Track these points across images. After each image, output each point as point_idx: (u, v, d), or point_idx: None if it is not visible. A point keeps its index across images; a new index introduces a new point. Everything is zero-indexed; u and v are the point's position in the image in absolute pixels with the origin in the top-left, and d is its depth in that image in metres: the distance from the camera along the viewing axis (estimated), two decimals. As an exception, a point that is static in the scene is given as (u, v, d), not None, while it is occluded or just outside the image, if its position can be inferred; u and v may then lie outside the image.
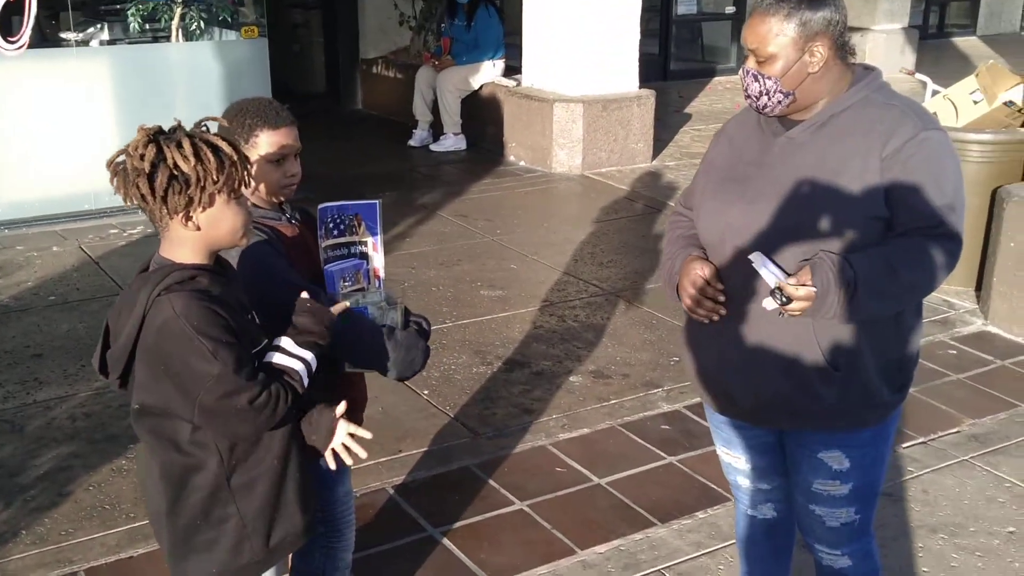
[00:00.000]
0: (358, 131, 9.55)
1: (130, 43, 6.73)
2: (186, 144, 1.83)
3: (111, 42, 6.73)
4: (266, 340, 2.01)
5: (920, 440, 3.89)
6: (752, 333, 2.21)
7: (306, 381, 2.00)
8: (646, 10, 8.53)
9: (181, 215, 1.87)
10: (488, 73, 8.53)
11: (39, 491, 3.50)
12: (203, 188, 1.84)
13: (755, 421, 2.34)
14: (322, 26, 10.61)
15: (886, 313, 2.17)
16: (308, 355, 2.01)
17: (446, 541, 3.26)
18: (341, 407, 2.12)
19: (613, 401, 4.19)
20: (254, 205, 2.33)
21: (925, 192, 2.09)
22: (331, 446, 2.11)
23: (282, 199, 2.41)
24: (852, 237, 2.10)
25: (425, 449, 3.79)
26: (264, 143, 2.31)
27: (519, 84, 8.29)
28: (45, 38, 6.51)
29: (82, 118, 6.42)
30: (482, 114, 8.51)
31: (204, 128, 1.92)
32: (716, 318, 2.23)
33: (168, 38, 6.79)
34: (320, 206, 2.35)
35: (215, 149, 1.86)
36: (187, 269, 1.90)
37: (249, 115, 2.33)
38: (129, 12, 6.61)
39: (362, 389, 2.57)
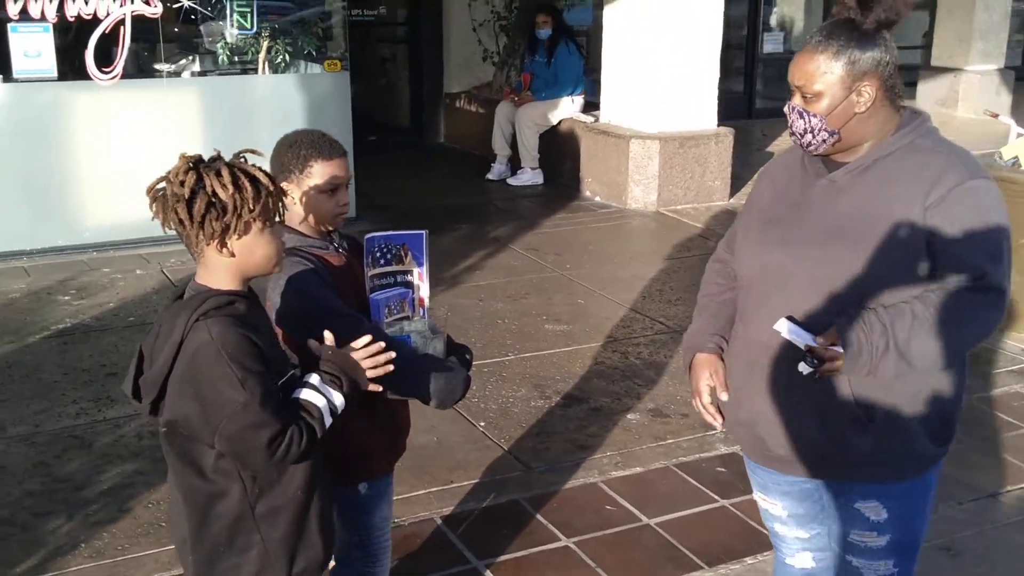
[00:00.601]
0: (439, 164, 9.69)
1: (219, 75, 6.98)
2: (225, 173, 1.89)
3: (201, 73, 6.99)
4: (292, 371, 2.04)
5: (987, 494, 3.75)
6: (785, 380, 2.16)
7: (328, 421, 1.99)
8: (732, 48, 8.50)
9: (216, 241, 1.92)
10: (567, 109, 8.58)
11: (101, 506, 3.60)
12: (239, 216, 1.90)
13: (788, 470, 2.29)
14: (408, 61, 10.84)
15: (925, 370, 2.09)
16: (336, 396, 2.01)
17: (489, 574, 3.26)
18: (359, 342, 2.10)
19: (670, 441, 4.14)
20: (302, 234, 2.40)
21: (969, 243, 2.02)
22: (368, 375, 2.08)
23: (331, 228, 2.46)
24: (891, 286, 2.05)
25: (476, 481, 3.80)
26: (318, 173, 2.37)
27: (597, 120, 8.32)
28: (139, 68, 6.78)
29: (171, 146, 6.53)
30: (560, 149, 8.55)
31: (243, 159, 1.98)
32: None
33: (255, 70, 7.02)
34: (367, 236, 2.39)
35: (252, 179, 1.92)
36: (224, 295, 1.95)
37: (304, 146, 2.39)
38: (219, 45, 6.85)
39: (405, 416, 2.60)
